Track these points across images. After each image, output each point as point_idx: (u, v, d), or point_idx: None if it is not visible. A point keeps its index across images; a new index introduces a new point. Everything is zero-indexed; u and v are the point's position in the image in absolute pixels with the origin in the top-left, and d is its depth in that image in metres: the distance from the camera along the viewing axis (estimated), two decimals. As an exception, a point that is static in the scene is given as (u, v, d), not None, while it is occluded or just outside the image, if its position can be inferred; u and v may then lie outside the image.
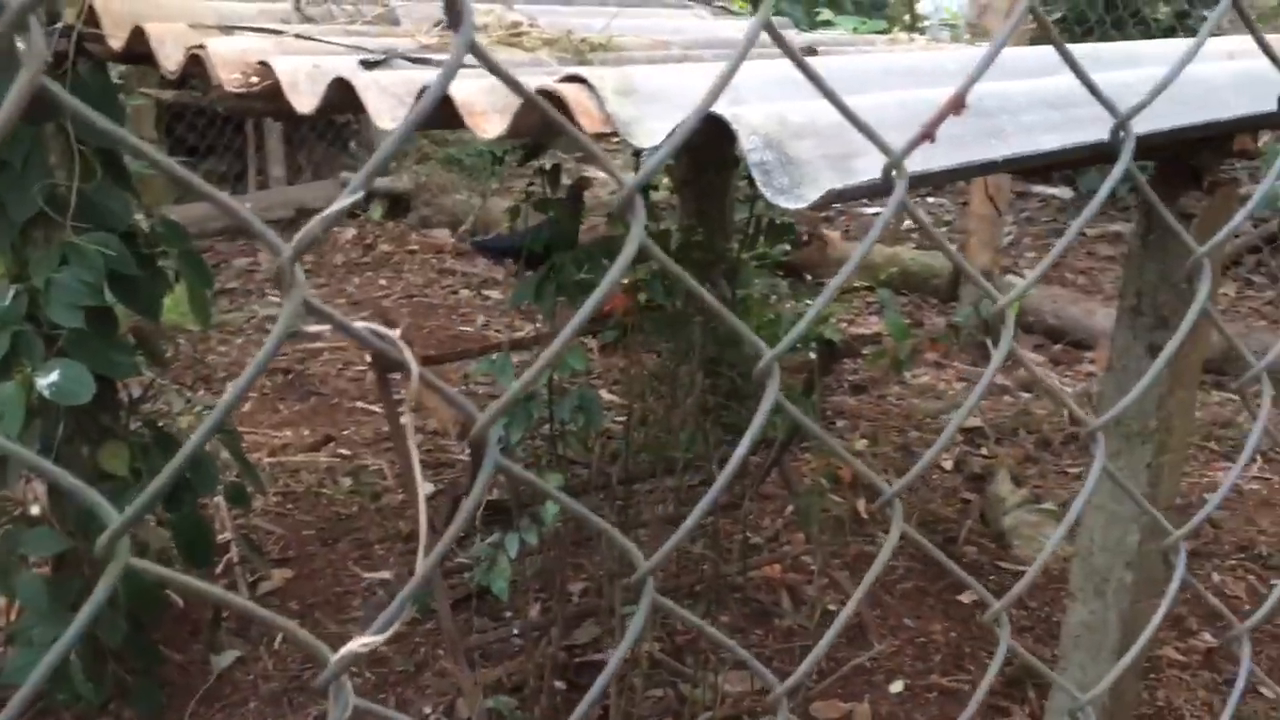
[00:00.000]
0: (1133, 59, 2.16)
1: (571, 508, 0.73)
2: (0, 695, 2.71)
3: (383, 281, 6.04)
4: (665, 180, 4.67)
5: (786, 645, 2.93)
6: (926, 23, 6.84)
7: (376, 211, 7.11)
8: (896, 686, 2.83)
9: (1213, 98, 1.94)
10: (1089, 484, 1.12)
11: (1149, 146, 2.00)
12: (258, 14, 2.60)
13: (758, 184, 1.28)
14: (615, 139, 1.54)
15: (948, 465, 4.00)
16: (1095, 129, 1.64)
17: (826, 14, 4.30)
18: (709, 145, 1.45)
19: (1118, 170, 0.98)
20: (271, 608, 3.21)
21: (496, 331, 5.37)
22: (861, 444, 4.11)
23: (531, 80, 1.56)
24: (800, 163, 1.32)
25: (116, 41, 2.31)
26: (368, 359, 4.65)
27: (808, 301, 4.26)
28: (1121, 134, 1.04)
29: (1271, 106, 1.93)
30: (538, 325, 3.78)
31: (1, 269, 2.42)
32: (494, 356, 2.13)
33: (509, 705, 2.52)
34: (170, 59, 2.16)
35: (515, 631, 2.88)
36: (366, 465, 4.01)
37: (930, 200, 8.11)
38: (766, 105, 1.43)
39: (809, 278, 5.72)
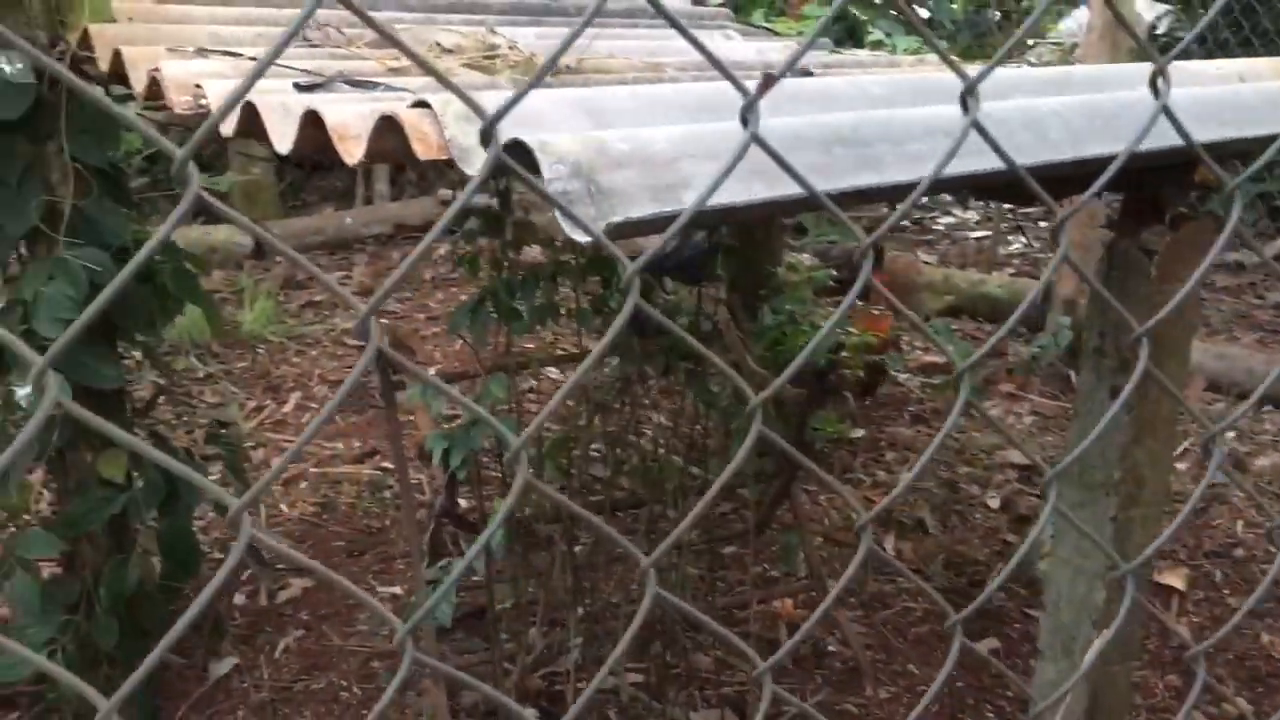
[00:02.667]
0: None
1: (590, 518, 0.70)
2: (2, 692, 2.83)
3: (463, 297, 6.10)
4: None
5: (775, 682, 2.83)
6: (1032, 43, 6.59)
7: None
8: (882, 735, 2.71)
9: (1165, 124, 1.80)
10: (1037, 527, 1.06)
11: (1113, 180, 1.87)
12: (255, 37, 2.66)
13: (556, 216, 1.24)
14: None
15: (994, 504, 3.82)
16: (990, 159, 1.54)
17: (878, 34, 4.18)
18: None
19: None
20: (282, 617, 3.28)
21: (564, 349, 5.37)
22: (907, 477, 3.96)
23: (394, 108, 1.55)
24: (612, 193, 1.27)
25: (104, 64, 2.39)
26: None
27: (850, 330, 4.15)
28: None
29: (1237, 132, 1.78)
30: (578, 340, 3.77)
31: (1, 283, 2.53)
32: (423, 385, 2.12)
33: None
34: (139, 82, 2.22)
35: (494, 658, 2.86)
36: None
37: (1042, 224, 7.81)
38: (602, 131, 1.38)
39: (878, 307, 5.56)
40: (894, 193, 1.47)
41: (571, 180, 1.26)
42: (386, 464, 4.20)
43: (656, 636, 2.70)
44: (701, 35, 2.95)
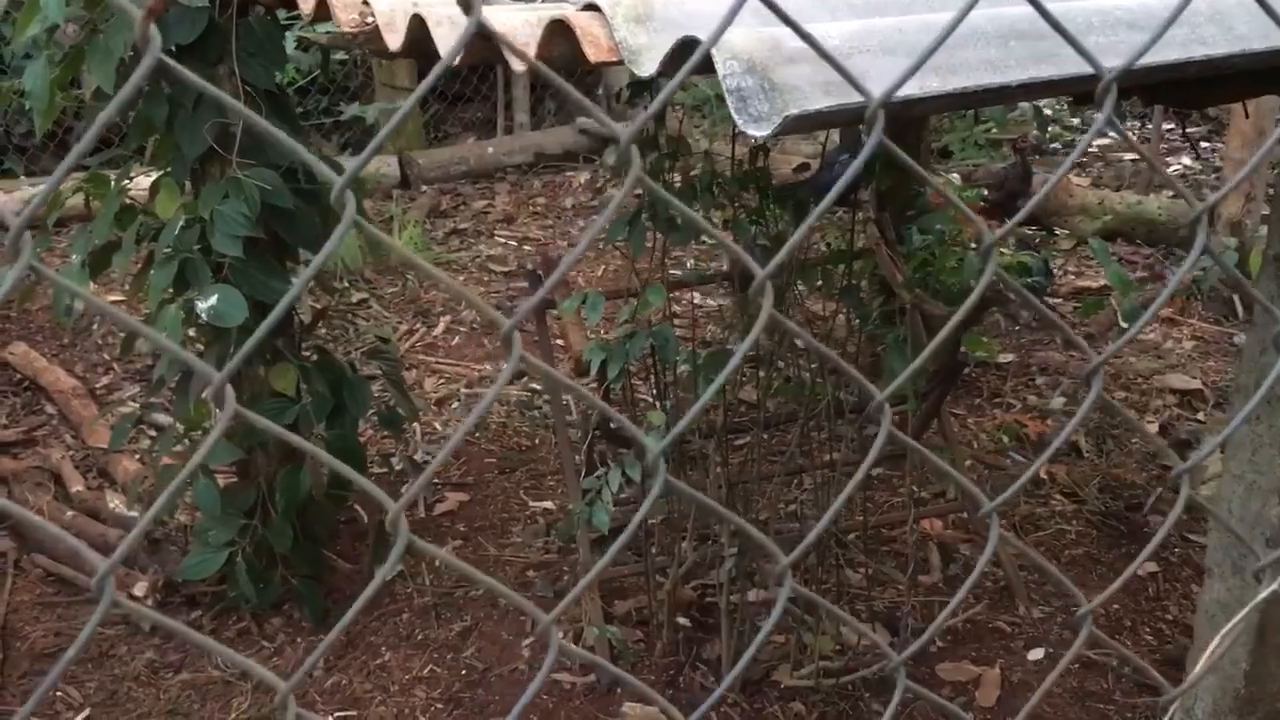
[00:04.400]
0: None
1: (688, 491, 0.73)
2: (185, 591, 3.01)
3: (605, 225, 6.16)
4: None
5: (925, 599, 2.83)
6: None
7: (611, 157, 7.24)
8: (1036, 654, 2.68)
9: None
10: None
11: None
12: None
13: (731, 112, 1.24)
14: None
15: (1152, 428, 3.72)
16: (1180, 50, 1.49)
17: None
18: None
19: None
20: (441, 528, 3.40)
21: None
22: (1058, 402, 3.88)
23: (564, 12, 1.56)
24: (786, 89, 1.27)
25: (272, -13, 2.46)
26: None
27: (1004, 251, 4.05)
28: None
29: None
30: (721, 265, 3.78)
31: (178, 201, 2.64)
32: (586, 293, 2.16)
33: (619, 635, 2.57)
34: (307, 3, 2.27)
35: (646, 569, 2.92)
36: (555, 400, 4.14)
37: (1204, 145, 7.46)
38: (771, 29, 1.38)
39: (1030, 227, 5.42)
40: (1072, 85, 1.43)
41: (745, 76, 1.26)
42: (535, 384, 4.29)
43: (808, 551, 2.72)
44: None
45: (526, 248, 5.84)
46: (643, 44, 1.43)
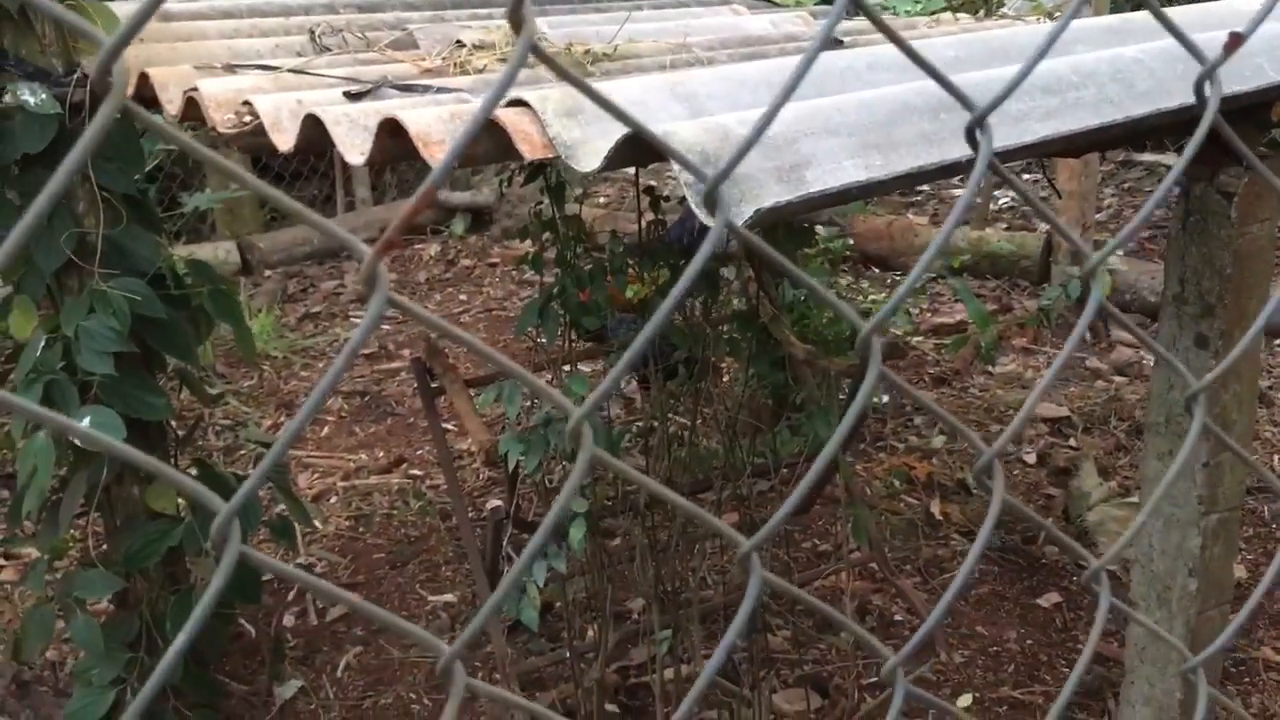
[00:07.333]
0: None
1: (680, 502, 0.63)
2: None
3: (463, 297, 6.07)
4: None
5: (843, 664, 2.82)
6: (1006, -4, 6.57)
7: (459, 227, 7.15)
8: (965, 700, 2.70)
9: (1248, 64, 1.78)
10: (1184, 451, 0.93)
11: (1182, 123, 1.86)
12: (274, 49, 2.60)
13: (691, 205, 1.21)
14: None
15: (1030, 459, 3.82)
16: (1086, 116, 1.53)
17: (877, -2, 4.16)
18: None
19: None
20: (337, 634, 3.24)
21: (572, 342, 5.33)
22: (939, 441, 3.96)
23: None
24: (741, 179, 1.24)
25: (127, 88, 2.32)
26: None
27: (874, 297, 4.13)
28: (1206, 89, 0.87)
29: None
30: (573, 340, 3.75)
31: (34, 319, 2.46)
32: (501, 384, 2.08)
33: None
34: (172, 103, 2.16)
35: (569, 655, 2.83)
36: (438, 485, 4.01)
37: (1025, 177, 7.82)
38: (714, 117, 1.35)
39: (875, 269, 5.57)
40: (1012, 156, 1.45)
41: (702, 169, 1.22)
42: (415, 471, 4.15)
43: (730, 620, 2.68)
44: (708, 13, 2.90)
45: (385, 327, 5.68)
46: (577, 138, 1.38)
